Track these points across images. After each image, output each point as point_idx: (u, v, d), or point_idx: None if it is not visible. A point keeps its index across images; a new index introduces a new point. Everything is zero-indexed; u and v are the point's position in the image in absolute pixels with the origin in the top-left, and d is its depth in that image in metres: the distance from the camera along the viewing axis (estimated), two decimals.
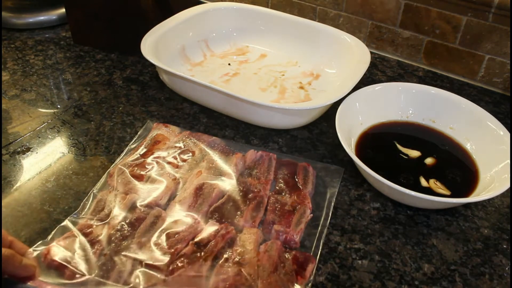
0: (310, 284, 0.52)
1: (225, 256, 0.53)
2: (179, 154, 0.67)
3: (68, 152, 0.70)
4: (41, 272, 0.51)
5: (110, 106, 0.80)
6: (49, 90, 0.83)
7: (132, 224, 0.56)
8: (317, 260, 0.55)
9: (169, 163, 0.66)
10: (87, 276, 0.50)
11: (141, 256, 0.52)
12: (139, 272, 0.51)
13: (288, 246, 0.56)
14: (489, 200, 0.65)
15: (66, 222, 0.57)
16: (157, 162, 0.65)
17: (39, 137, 0.72)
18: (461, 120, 0.73)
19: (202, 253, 0.53)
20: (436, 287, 0.54)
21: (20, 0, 1.04)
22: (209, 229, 0.56)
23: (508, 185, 0.59)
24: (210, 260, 0.52)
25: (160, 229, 0.56)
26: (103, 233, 0.55)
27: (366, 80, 0.89)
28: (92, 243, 0.54)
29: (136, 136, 0.72)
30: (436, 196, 0.60)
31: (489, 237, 0.60)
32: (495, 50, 0.86)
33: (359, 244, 0.58)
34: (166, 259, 0.52)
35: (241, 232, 0.56)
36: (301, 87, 0.85)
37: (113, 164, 0.66)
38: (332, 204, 0.62)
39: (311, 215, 0.59)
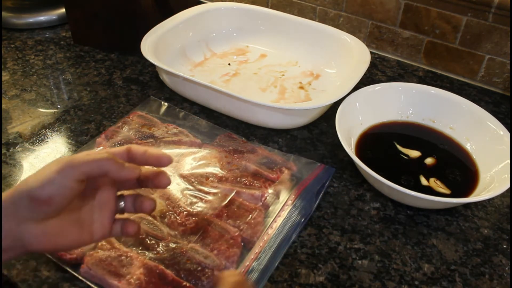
0: None
1: None
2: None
3: (68, 153, 0.70)
4: None
5: (110, 106, 0.80)
6: (49, 90, 0.83)
7: None
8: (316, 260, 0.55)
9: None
10: None
11: None
12: None
13: None
14: (489, 200, 0.65)
15: None
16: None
17: (39, 137, 0.72)
18: (461, 120, 0.73)
19: None
20: (436, 287, 0.54)
21: (20, 0, 1.04)
22: None
23: (508, 185, 0.59)
24: None
25: None
26: None
27: (366, 80, 0.89)
28: None
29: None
30: (436, 196, 0.60)
31: (489, 237, 0.60)
32: (495, 50, 0.85)
33: (359, 244, 0.58)
34: None
35: None
36: (301, 87, 0.85)
37: None
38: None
39: None
